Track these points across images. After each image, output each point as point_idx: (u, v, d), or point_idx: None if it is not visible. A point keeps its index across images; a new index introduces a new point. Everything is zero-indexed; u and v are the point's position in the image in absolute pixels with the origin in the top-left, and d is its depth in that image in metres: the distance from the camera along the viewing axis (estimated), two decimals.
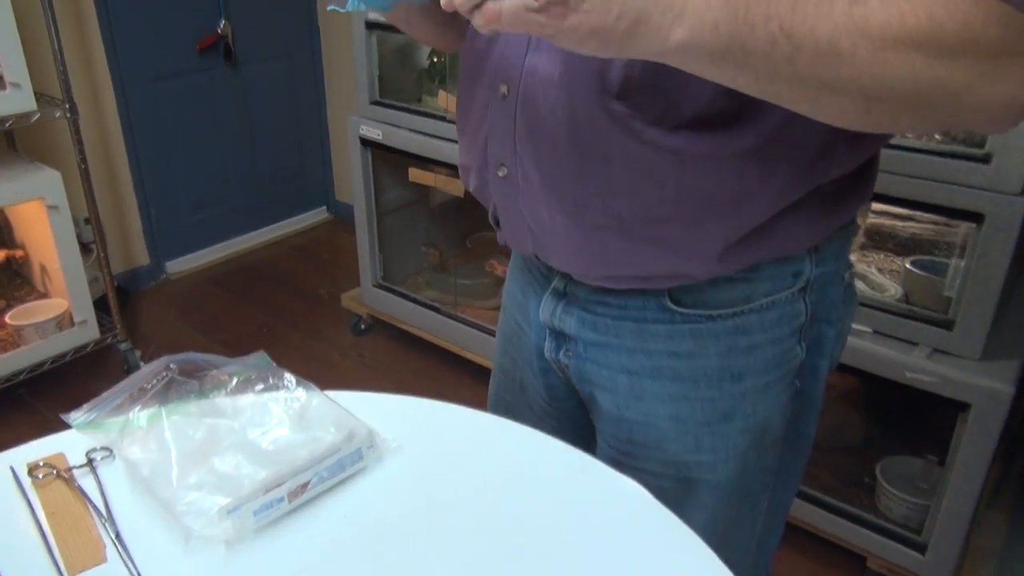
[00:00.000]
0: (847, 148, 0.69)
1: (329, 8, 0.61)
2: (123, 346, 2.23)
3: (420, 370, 2.36)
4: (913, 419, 1.69)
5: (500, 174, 0.77)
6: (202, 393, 0.84)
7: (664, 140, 0.67)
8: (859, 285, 1.49)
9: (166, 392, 0.83)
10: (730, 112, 0.65)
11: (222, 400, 0.82)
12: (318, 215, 3.36)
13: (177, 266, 2.90)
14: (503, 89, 0.74)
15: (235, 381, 0.85)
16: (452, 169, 2.03)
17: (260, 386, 0.85)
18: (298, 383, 0.85)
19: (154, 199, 2.77)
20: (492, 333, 2.15)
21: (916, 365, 1.32)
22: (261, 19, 2.90)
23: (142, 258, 2.79)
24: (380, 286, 2.41)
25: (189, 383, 0.85)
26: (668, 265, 0.72)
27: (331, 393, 0.84)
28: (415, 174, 2.14)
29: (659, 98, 0.65)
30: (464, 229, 2.54)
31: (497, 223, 0.85)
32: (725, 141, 0.66)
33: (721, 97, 0.63)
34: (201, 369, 0.88)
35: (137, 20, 2.55)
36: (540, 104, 0.71)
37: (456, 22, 0.83)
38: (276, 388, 0.85)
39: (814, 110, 0.56)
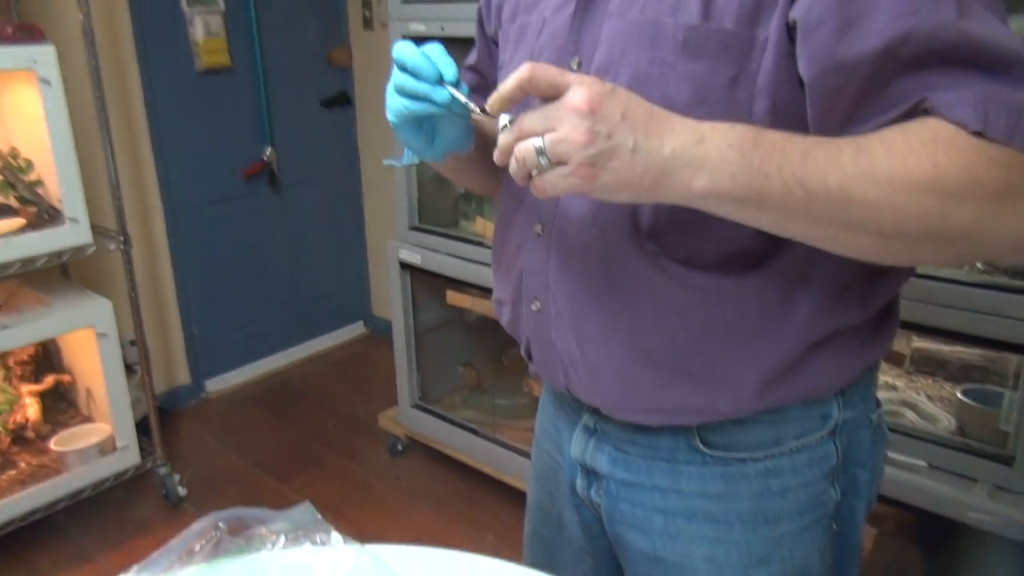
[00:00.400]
0: (865, 286, 0.71)
1: (386, 163, 0.69)
2: (162, 471, 2.23)
3: (458, 492, 2.31)
4: (972, 556, 1.60)
5: (534, 308, 0.80)
6: (249, 549, 0.83)
7: (692, 278, 0.70)
8: (909, 415, 1.45)
9: (215, 551, 0.83)
10: (755, 252, 0.69)
11: (269, 559, 0.82)
12: (355, 330, 3.41)
13: (216, 384, 2.93)
14: (537, 228, 0.78)
15: (282, 539, 0.85)
16: (488, 291, 2.05)
17: (307, 544, 0.84)
18: (344, 541, 0.84)
19: (197, 319, 2.83)
20: (529, 456, 2.11)
21: (979, 505, 1.27)
22: (304, 145, 3.03)
23: (183, 377, 2.83)
24: (417, 407, 2.40)
25: (236, 541, 0.85)
26: (696, 399, 0.73)
27: (376, 548, 0.83)
28: (453, 297, 2.17)
29: (688, 238, 0.69)
30: (500, 346, 2.55)
31: (530, 356, 0.87)
32: (749, 278, 0.69)
33: (746, 238, 0.67)
34: (248, 526, 0.87)
35: (188, 150, 2.69)
36: (573, 242, 0.75)
37: (497, 171, 0.88)
38: (323, 545, 0.84)
39: (835, 247, 0.61)
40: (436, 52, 0.64)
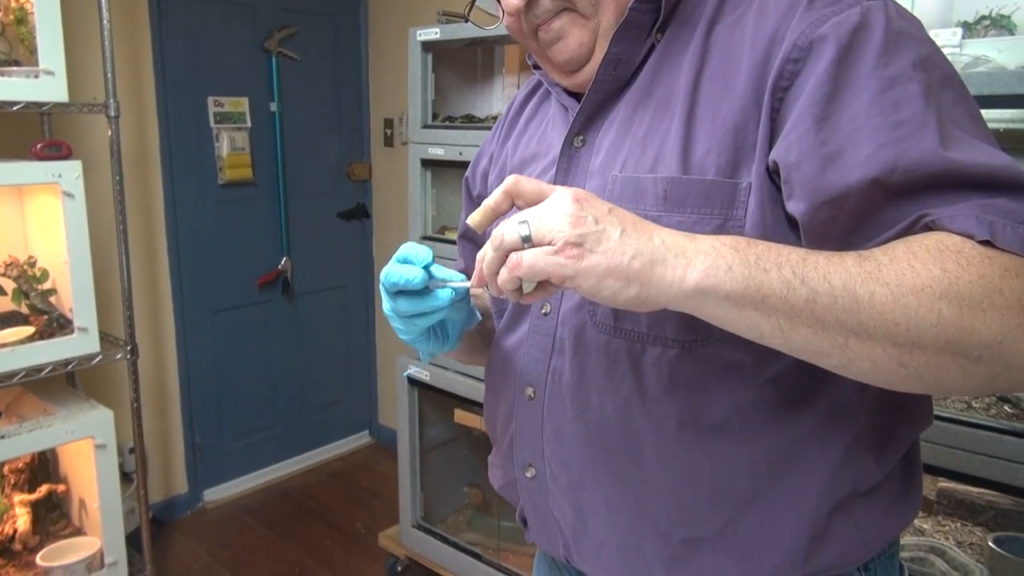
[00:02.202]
0: (872, 451, 0.67)
1: (407, 374, 0.69)
2: None
3: None
4: None
5: (528, 475, 0.77)
6: None
7: (700, 440, 0.66)
8: (938, 563, 1.37)
9: None
10: (763, 406, 0.65)
11: None
12: (360, 439, 3.34)
13: (215, 494, 2.85)
14: (529, 391, 0.75)
15: None
16: None
17: None
18: None
19: (200, 426, 2.79)
20: None
21: None
22: (320, 255, 3.07)
23: (180, 486, 2.76)
24: (420, 527, 2.31)
25: None
26: (710, 573, 0.68)
27: None
28: (461, 415, 2.13)
29: (694, 396, 0.65)
30: None
31: (525, 522, 0.83)
32: (759, 436, 0.65)
33: (753, 390, 0.63)
34: None
35: (205, 260, 2.72)
36: (568, 406, 0.72)
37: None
38: None
39: (847, 361, 0.53)
40: (412, 251, 0.67)
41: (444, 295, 0.65)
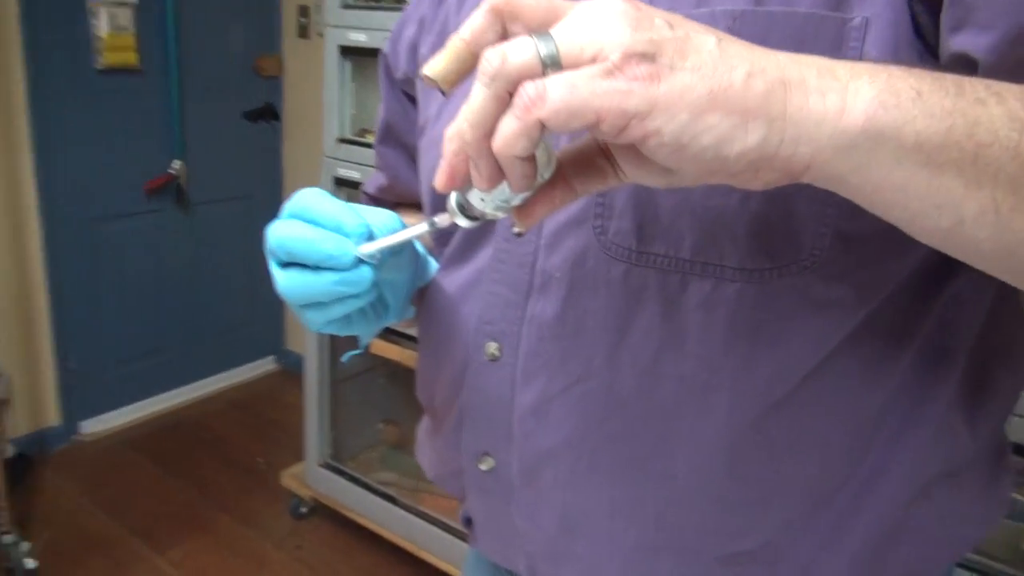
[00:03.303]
0: (967, 414, 0.49)
1: (346, 359, 0.46)
2: (6, 539, 1.84)
3: (366, 569, 2.01)
4: None
5: (483, 467, 0.54)
6: None
7: (759, 418, 0.46)
8: None
9: None
10: (846, 368, 0.46)
11: None
12: (264, 366, 3.06)
13: (94, 426, 2.54)
14: (491, 350, 0.52)
15: None
16: None
17: None
18: None
19: (76, 350, 2.45)
20: (454, 531, 1.84)
21: None
22: (221, 161, 2.72)
23: (52, 418, 2.43)
24: (328, 466, 2.09)
25: None
26: None
27: None
28: (378, 345, 1.89)
29: (758, 356, 0.46)
30: None
31: (468, 522, 0.62)
32: (837, 410, 0.47)
33: (841, 338, 0.45)
34: None
35: (78, 159, 2.34)
36: (556, 370, 0.50)
37: None
38: None
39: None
40: (324, 208, 0.45)
41: (364, 276, 0.44)
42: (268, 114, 2.81)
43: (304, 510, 2.19)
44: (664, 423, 0.47)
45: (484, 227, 0.54)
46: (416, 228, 0.43)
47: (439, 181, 0.34)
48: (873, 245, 0.43)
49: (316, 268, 0.45)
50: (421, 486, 2.00)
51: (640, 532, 0.50)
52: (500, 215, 0.37)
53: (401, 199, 0.74)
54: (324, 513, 2.17)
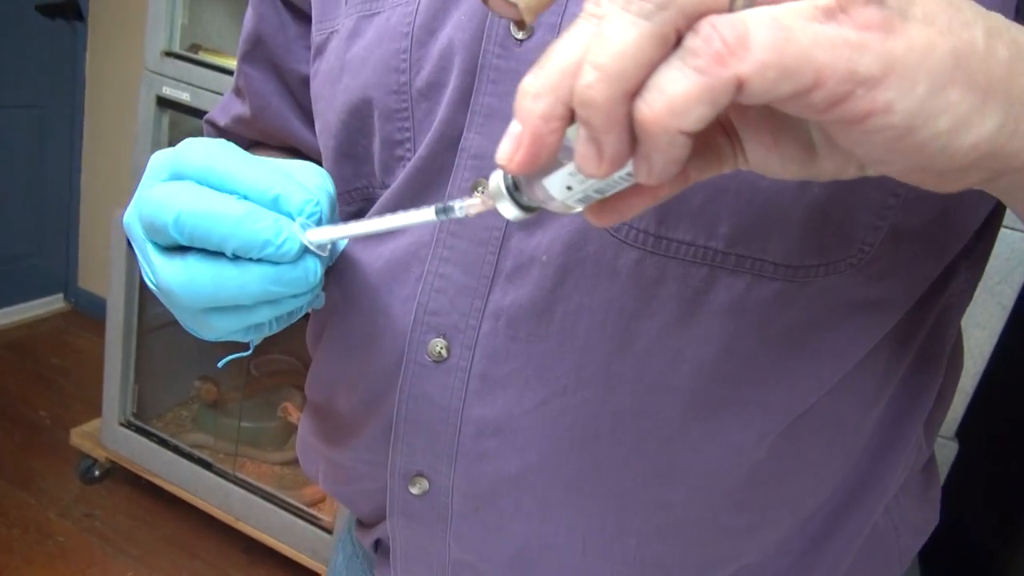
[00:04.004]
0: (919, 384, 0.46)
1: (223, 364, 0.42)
2: None
3: (174, 539, 1.81)
4: None
5: (413, 491, 0.44)
6: None
7: (781, 439, 0.42)
8: None
9: None
10: (871, 372, 0.42)
11: None
12: (51, 304, 2.67)
13: None
14: (436, 348, 0.41)
15: None
16: None
17: None
18: None
19: None
20: (276, 501, 1.70)
21: None
22: (4, 59, 2.29)
23: None
24: (129, 425, 1.85)
25: None
26: None
27: None
28: None
29: (792, 369, 0.41)
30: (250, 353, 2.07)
31: (376, 546, 0.52)
32: (856, 421, 0.44)
33: (876, 340, 0.40)
34: None
35: None
36: (529, 380, 0.40)
37: None
38: None
39: None
40: (240, 171, 0.34)
41: (312, 268, 0.34)
42: (69, 11, 2.40)
43: (97, 473, 1.93)
44: (666, 445, 0.40)
45: (423, 186, 0.42)
46: (413, 215, 0.31)
47: (513, 160, 0.23)
48: (920, 241, 0.38)
49: (236, 259, 0.32)
50: (240, 451, 1.83)
51: (615, 567, 0.42)
52: (577, 209, 0.26)
53: (266, 137, 0.60)
54: (121, 477, 1.92)
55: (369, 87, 0.43)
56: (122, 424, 1.85)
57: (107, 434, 1.87)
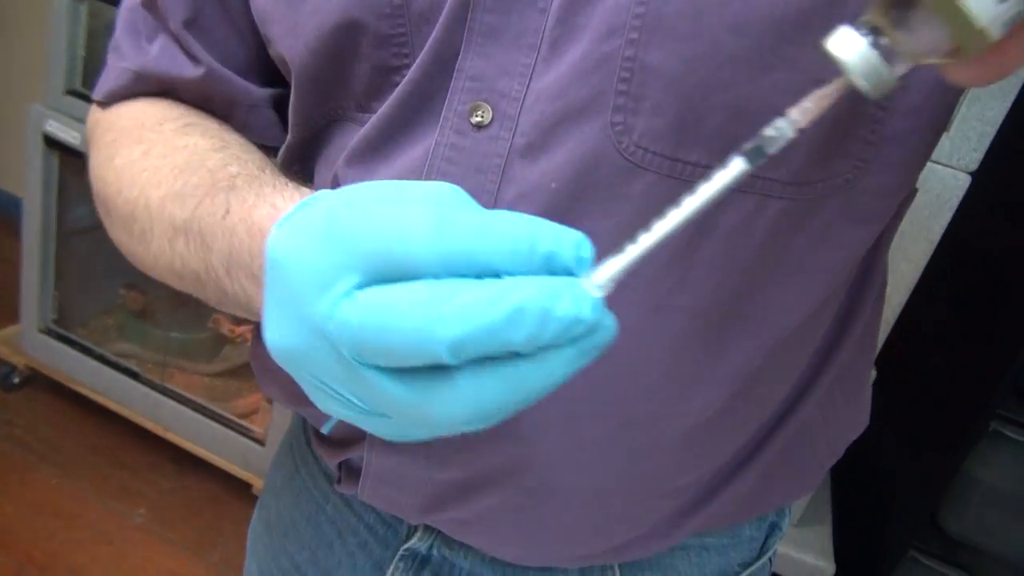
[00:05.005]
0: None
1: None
2: None
3: (100, 448, 1.78)
4: None
5: None
6: None
7: (767, 357, 0.45)
8: None
9: None
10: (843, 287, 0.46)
11: None
12: None
13: None
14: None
15: None
16: None
17: None
18: None
19: None
20: (205, 411, 1.68)
21: None
22: None
23: None
24: (50, 332, 1.78)
25: None
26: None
27: None
28: None
29: (784, 289, 0.43)
30: None
31: (340, 468, 0.51)
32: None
33: (859, 255, 0.45)
34: None
35: None
36: None
37: None
38: None
39: None
40: (487, 234, 0.25)
41: (609, 323, 0.26)
42: None
43: (16, 380, 1.86)
44: (668, 363, 0.41)
45: (414, 111, 0.39)
46: (717, 180, 0.26)
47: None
48: (905, 151, 0.40)
49: (530, 353, 0.25)
50: (169, 361, 1.79)
51: (601, 482, 0.44)
52: (990, 38, 0.23)
53: (204, 101, 0.49)
54: (42, 384, 1.87)
55: (352, 7, 0.39)
56: (42, 331, 1.78)
57: (26, 340, 1.80)
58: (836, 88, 0.26)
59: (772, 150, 0.26)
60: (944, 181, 1.05)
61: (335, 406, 0.29)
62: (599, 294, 0.25)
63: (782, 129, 0.27)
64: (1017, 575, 1.11)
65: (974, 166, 1.03)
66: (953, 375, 1.24)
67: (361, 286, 0.25)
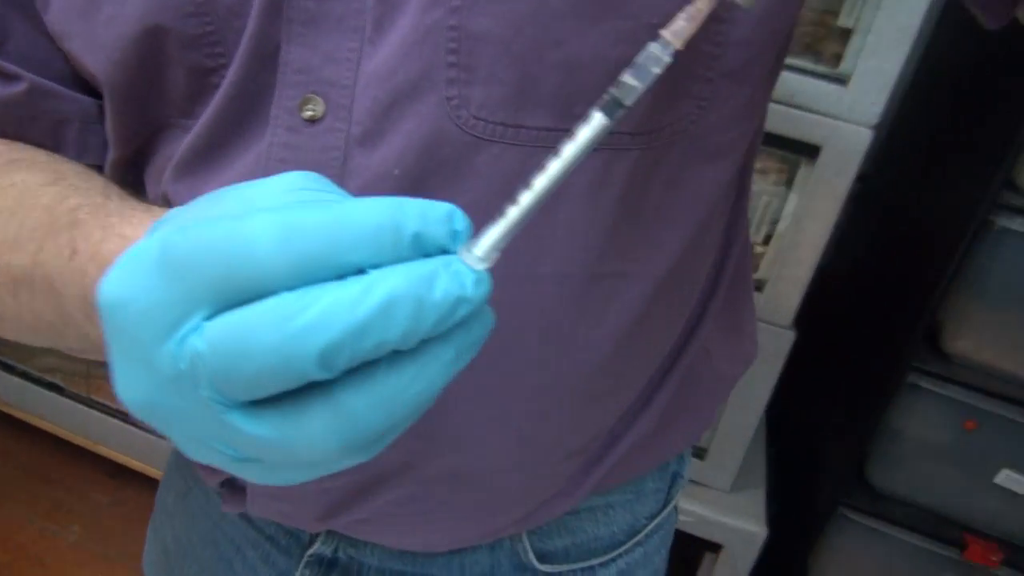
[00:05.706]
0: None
1: None
2: None
3: (29, 467, 1.73)
4: None
5: None
6: None
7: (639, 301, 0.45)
8: None
9: None
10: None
11: None
12: None
13: None
14: None
15: None
16: None
17: None
18: None
19: None
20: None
21: None
22: None
23: None
24: None
25: None
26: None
27: None
28: None
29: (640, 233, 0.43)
30: None
31: (224, 486, 0.50)
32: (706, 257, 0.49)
33: (724, 188, 0.45)
34: None
35: None
36: None
37: None
38: None
39: None
40: (343, 222, 0.23)
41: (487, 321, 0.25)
42: None
43: None
44: (547, 331, 0.41)
45: (241, 112, 0.37)
46: (580, 139, 0.25)
47: None
48: (745, 83, 0.40)
49: (413, 348, 0.23)
50: (92, 371, 1.74)
51: (493, 455, 0.43)
52: None
53: (27, 122, 0.44)
54: None
55: (149, 12, 0.36)
56: None
57: None
58: (708, 1, 0.26)
59: (647, 81, 0.26)
60: (847, 137, 1.04)
61: (206, 454, 0.26)
62: (481, 266, 0.23)
63: (655, 53, 0.26)
64: (943, 525, 1.12)
65: (875, 120, 1.03)
66: (870, 331, 1.24)
67: (210, 317, 0.23)
